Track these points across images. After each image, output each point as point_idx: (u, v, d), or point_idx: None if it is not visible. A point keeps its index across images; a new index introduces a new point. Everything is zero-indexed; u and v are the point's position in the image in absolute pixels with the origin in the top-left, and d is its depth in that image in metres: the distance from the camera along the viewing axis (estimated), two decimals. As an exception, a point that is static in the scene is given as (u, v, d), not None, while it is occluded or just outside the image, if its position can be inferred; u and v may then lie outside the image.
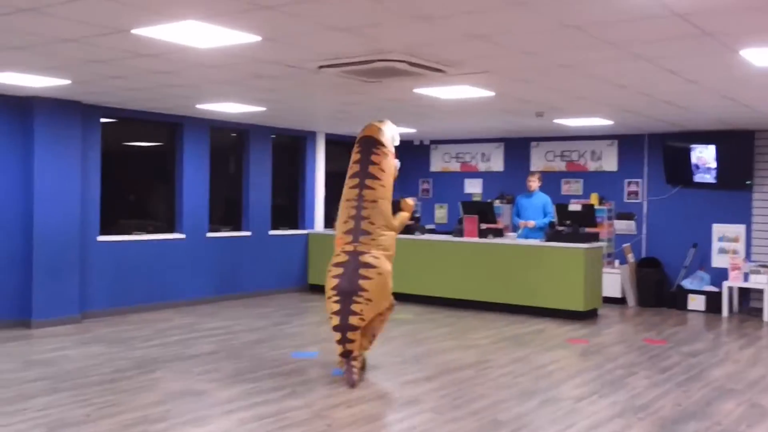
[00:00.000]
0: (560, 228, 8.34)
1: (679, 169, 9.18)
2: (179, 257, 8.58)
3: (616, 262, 9.55)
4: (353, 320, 5.08)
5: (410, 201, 5.87)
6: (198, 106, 7.69)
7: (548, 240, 8.31)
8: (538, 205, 8.85)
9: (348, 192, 5.43)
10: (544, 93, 6.28)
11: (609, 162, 9.85)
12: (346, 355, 5.14)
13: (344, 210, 5.44)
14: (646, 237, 9.64)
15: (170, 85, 6.21)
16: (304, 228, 10.26)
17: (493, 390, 5.07)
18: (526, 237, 8.82)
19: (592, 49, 4.48)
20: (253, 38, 4.34)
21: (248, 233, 9.42)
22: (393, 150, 5.58)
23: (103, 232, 7.97)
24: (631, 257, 9.46)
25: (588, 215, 8.28)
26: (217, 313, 8.18)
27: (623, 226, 9.70)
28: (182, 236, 8.62)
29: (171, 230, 8.65)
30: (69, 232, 7.39)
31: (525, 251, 8.37)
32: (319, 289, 10.05)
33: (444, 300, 8.89)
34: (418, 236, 9.25)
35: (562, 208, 8.43)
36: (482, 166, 10.88)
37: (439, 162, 11.31)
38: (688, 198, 9.34)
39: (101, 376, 5.24)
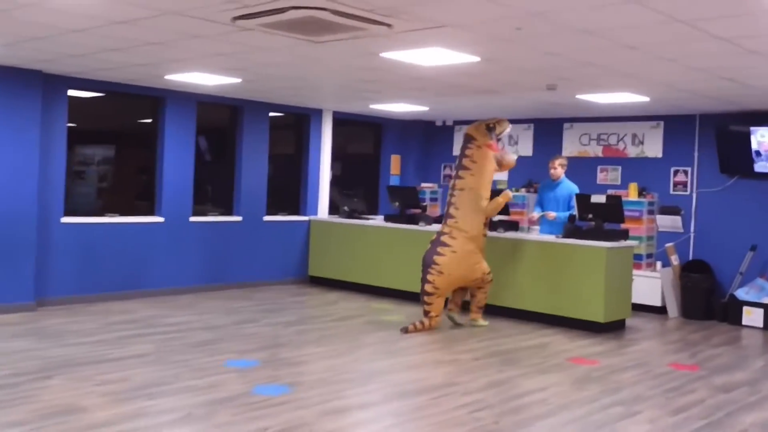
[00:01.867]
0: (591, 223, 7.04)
1: (737, 157, 7.66)
2: (157, 242, 7.88)
3: (658, 265, 8.16)
4: (427, 287, 6.47)
5: (509, 192, 6.90)
6: (167, 77, 6.91)
7: (566, 236, 7.07)
8: (563, 197, 7.51)
9: (451, 182, 6.72)
10: (539, 58, 5.07)
11: (652, 147, 8.40)
12: (425, 314, 6.53)
13: (448, 198, 6.74)
14: (694, 236, 8.18)
15: (102, 49, 5.42)
16: (305, 214, 9.38)
17: (438, 428, 4.02)
18: (549, 233, 7.57)
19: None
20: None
21: (239, 218, 8.62)
22: (491, 143, 6.60)
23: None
24: (675, 259, 8.04)
25: (614, 209, 6.95)
26: (192, 306, 7.44)
27: (667, 222, 8.27)
28: (161, 219, 7.91)
29: (150, 213, 7.97)
30: (24, 212, 6.79)
31: (537, 249, 7.16)
32: (319, 282, 9.19)
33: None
34: (422, 227, 8.17)
35: (583, 199, 7.12)
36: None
37: (463, 145, 10.10)
38: (747, 191, 7.79)
39: (-11, 381, 4.55)
